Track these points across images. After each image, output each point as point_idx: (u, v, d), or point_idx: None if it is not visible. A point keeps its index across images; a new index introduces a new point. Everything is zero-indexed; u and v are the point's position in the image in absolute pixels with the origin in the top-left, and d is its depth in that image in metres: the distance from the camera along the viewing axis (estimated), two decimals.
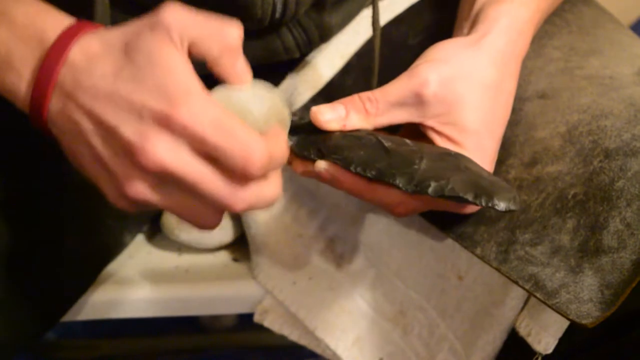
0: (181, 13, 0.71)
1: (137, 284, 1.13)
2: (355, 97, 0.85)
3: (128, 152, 0.70)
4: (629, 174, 0.84)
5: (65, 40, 0.73)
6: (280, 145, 0.73)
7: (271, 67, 1.05)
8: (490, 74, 0.86)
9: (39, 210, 1.00)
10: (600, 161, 0.86)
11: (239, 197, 0.71)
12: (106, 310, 1.12)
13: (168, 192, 0.72)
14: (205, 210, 0.73)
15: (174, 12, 0.71)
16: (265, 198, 0.73)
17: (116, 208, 1.07)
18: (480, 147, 0.85)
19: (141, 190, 0.72)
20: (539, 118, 0.90)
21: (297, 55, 1.04)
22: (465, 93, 0.85)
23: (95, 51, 0.72)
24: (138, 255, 1.17)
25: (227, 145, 0.69)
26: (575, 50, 0.99)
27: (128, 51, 0.71)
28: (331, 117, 0.84)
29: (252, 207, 0.73)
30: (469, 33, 0.90)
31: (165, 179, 0.71)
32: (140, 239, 1.19)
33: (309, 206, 1.09)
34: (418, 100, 0.84)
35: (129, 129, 0.70)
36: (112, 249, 1.13)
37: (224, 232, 1.15)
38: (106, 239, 1.11)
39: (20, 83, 0.75)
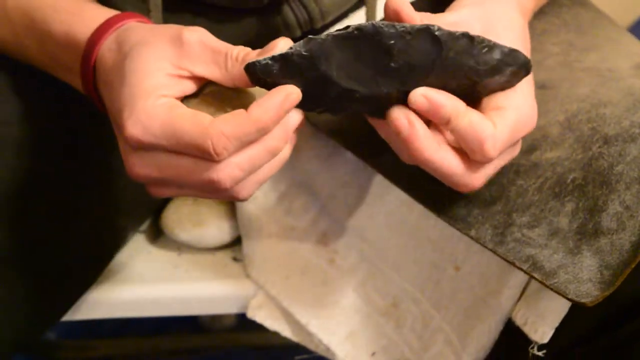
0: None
1: (137, 284, 1.11)
2: (419, 13, 0.80)
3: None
4: (628, 158, 0.84)
5: (91, 45, 0.82)
6: (241, 121, 0.72)
7: None
8: (516, 17, 0.84)
9: (42, 207, 0.98)
10: (600, 147, 0.85)
11: (225, 176, 0.73)
12: (106, 310, 1.10)
13: (168, 187, 0.76)
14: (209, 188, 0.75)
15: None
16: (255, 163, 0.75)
17: (122, 206, 1.08)
18: (528, 83, 0.82)
19: (156, 193, 0.78)
20: (538, 107, 0.88)
21: (298, 33, 1.02)
22: (505, 31, 0.82)
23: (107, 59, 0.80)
24: (138, 255, 1.15)
25: (180, 144, 0.72)
26: (573, 46, 0.98)
27: (121, 59, 0.77)
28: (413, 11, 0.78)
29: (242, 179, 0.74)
30: None
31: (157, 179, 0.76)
32: (140, 238, 1.17)
33: (303, 199, 1.07)
34: (468, 29, 0.78)
35: (120, 142, 0.77)
36: (117, 247, 1.11)
37: (224, 231, 1.13)
38: (114, 238, 1.10)
39: (75, 77, 0.85)
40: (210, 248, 1.15)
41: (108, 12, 0.84)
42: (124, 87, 0.74)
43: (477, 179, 0.79)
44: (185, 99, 0.77)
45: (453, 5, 0.83)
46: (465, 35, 0.75)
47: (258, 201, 1.07)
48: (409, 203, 0.98)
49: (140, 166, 0.75)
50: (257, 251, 1.09)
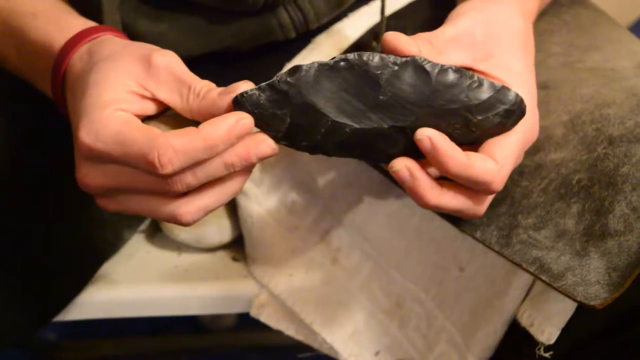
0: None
1: (137, 284, 1.10)
2: (416, 35, 0.78)
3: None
4: (634, 159, 0.83)
5: (64, 53, 0.81)
6: (190, 136, 0.70)
7: (267, 49, 1.04)
8: (518, 21, 0.83)
9: (35, 205, 0.97)
10: (604, 148, 0.84)
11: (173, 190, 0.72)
12: (106, 310, 1.10)
13: (117, 199, 0.76)
14: (159, 204, 0.74)
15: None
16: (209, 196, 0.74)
17: None
18: (526, 89, 0.80)
19: (104, 205, 0.77)
20: (541, 108, 0.88)
21: (292, 34, 1.01)
22: (505, 37, 0.81)
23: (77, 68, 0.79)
24: (137, 254, 1.14)
25: (129, 154, 0.70)
26: (575, 46, 0.96)
27: (87, 70, 0.76)
28: (411, 41, 0.77)
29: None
30: None
31: (106, 191, 0.75)
32: (139, 238, 1.16)
33: (304, 199, 1.06)
34: (471, 40, 0.79)
35: (75, 152, 0.75)
36: (111, 246, 1.10)
37: (224, 231, 1.12)
38: (106, 235, 1.08)
39: (48, 84, 0.83)
40: (210, 248, 1.14)
41: (85, 23, 0.83)
42: (85, 98, 0.73)
43: (482, 208, 0.79)
44: (144, 120, 0.75)
45: (455, 12, 0.82)
46: (453, 68, 0.74)
47: (260, 201, 1.06)
48: (411, 204, 0.97)
49: (91, 176, 0.74)
50: (260, 250, 1.08)
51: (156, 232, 1.17)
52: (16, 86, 0.91)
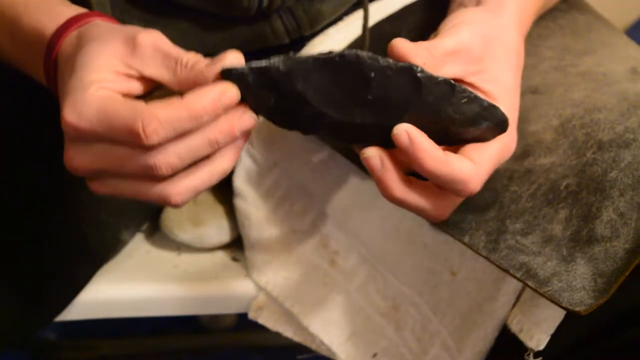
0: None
1: (136, 283, 1.10)
2: (418, 43, 0.78)
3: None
4: (622, 165, 0.82)
5: (55, 38, 0.80)
6: (175, 106, 0.70)
7: (262, 54, 1.02)
8: (514, 38, 0.83)
9: (30, 205, 0.97)
10: (594, 153, 0.84)
11: (159, 161, 0.71)
12: (105, 310, 1.10)
13: (107, 182, 0.75)
14: (147, 187, 0.74)
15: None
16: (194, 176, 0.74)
17: (112, 204, 1.07)
18: (512, 104, 0.81)
19: (95, 188, 0.76)
20: (531, 112, 0.88)
21: (286, 40, 1.01)
22: (501, 53, 0.81)
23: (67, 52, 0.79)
24: (137, 254, 1.14)
25: (114, 128, 0.70)
26: (568, 50, 0.96)
27: (76, 53, 0.76)
28: (418, 51, 0.76)
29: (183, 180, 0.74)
30: (477, 5, 0.86)
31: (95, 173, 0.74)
32: (139, 238, 1.16)
33: (302, 202, 1.05)
34: (468, 55, 0.79)
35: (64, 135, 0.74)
36: (109, 247, 1.09)
37: (223, 231, 1.12)
38: (103, 236, 1.08)
39: (40, 72, 0.82)
40: (210, 248, 1.14)
41: (76, 10, 0.83)
42: (71, 79, 0.73)
43: (445, 213, 0.80)
44: None
45: (451, 21, 0.82)
46: (447, 82, 0.73)
47: (258, 204, 1.06)
48: (402, 208, 0.96)
49: (78, 158, 0.73)
50: (259, 253, 1.08)
51: (156, 232, 1.16)
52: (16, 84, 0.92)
